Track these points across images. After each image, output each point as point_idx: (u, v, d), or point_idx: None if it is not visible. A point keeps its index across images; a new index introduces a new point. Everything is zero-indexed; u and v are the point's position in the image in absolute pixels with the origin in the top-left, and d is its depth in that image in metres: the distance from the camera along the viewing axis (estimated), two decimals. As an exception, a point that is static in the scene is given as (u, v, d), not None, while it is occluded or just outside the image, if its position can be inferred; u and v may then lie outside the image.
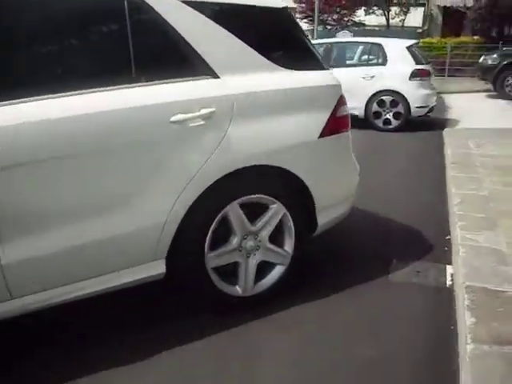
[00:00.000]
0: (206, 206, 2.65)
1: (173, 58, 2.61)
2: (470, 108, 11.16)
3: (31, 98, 2.22)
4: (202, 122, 2.56)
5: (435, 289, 3.22)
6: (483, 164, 5.65)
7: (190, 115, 2.52)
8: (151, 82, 2.51)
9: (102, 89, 2.38)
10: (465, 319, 2.60)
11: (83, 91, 2.34)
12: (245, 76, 2.74)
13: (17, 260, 2.24)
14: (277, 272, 2.99)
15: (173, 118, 2.48)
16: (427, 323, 2.84)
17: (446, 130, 8.24)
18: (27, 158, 2.20)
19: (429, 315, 2.92)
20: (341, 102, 3.11)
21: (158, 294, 2.95)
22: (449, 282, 3.28)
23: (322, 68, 3.15)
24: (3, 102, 2.17)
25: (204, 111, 2.56)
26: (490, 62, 13.00)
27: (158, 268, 2.62)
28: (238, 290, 2.87)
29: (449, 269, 3.46)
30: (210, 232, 2.70)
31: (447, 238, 3.97)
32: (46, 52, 2.38)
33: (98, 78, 2.41)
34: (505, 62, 12.62)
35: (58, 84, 2.31)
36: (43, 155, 2.23)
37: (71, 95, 2.31)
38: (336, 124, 3.07)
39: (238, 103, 2.67)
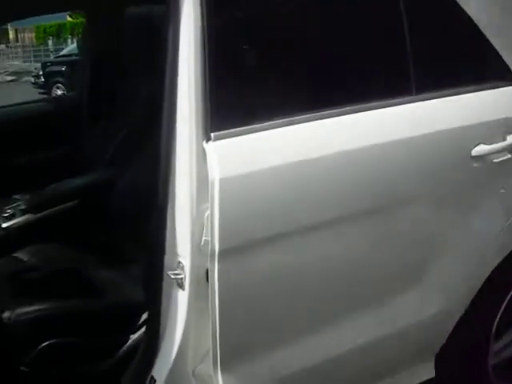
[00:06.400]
0: (502, 275, 1.84)
1: (464, 60, 1.79)
2: None
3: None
4: (509, 156, 1.74)
5: None
6: None
7: (494, 146, 1.69)
8: (437, 95, 1.68)
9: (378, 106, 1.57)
10: None
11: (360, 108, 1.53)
12: None
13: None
14: None
15: (474, 151, 1.65)
16: None
17: None
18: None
19: None
20: None
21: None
22: None
23: None
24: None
25: (511, 139, 1.73)
26: None
27: (426, 370, 1.80)
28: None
29: None
30: (499, 313, 1.88)
31: None
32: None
33: (373, 92, 1.59)
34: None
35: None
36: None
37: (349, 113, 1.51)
38: None
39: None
